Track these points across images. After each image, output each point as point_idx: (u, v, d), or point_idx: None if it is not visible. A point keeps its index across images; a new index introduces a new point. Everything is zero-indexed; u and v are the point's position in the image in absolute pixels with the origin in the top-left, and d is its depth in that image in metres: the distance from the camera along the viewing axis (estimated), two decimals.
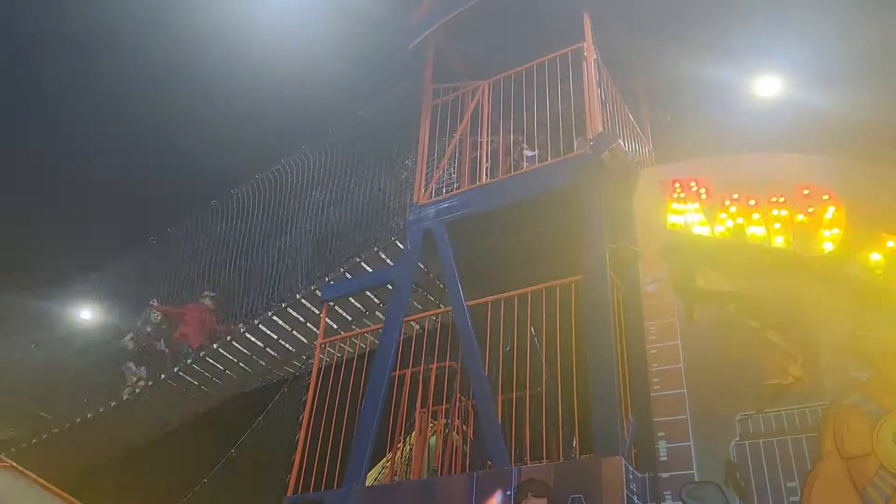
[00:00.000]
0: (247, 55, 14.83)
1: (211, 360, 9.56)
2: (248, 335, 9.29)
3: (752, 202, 5.87)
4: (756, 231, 5.77)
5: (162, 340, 10.15)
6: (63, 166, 16.60)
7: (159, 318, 10.25)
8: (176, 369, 9.58)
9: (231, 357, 9.59)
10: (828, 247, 5.46)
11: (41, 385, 10.88)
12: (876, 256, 5.27)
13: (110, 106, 16.11)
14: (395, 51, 8.58)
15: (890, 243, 5.24)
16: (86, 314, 12.04)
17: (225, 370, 9.75)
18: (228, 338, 9.37)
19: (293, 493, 6.32)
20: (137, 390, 9.72)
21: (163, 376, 9.67)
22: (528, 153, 7.56)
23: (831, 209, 5.55)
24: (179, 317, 10.08)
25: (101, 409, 9.92)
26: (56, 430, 10.12)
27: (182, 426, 10.78)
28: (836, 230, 5.46)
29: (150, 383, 9.75)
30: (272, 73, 14.77)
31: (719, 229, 5.93)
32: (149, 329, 10.23)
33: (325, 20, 13.55)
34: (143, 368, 10.00)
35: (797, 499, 4.71)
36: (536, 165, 7.05)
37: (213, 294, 10.15)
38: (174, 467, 11.39)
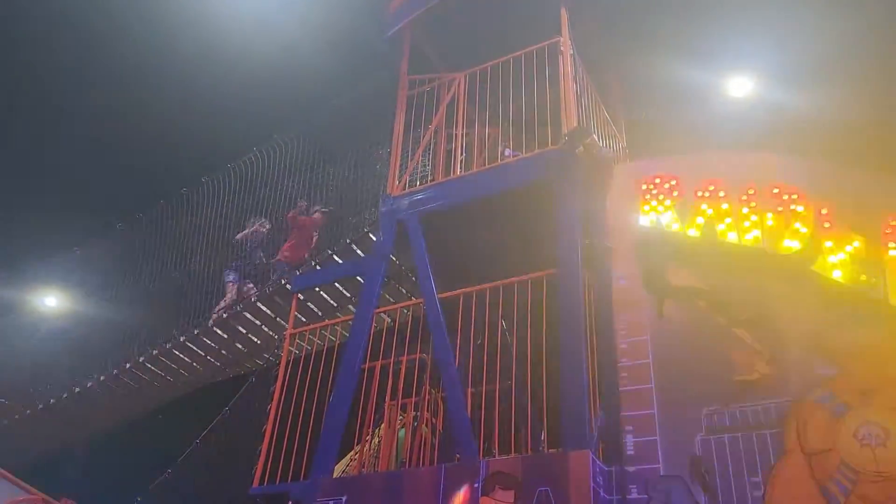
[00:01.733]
0: (222, 42, 14.61)
1: (177, 352, 9.41)
2: (217, 329, 9.15)
3: (723, 200, 5.93)
4: (726, 228, 5.83)
5: (262, 252, 9.52)
6: (30, 153, 16.25)
7: (265, 230, 9.53)
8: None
9: (198, 350, 9.45)
10: (796, 245, 5.53)
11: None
12: (841, 255, 5.35)
13: (80, 92, 15.78)
14: (372, 40, 8.50)
15: (856, 243, 5.32)
16: (50, 301, 11.80)
17: (192, 362, 9.61)
18: (196, 331, 9.21)
19: (259, 485, 6.25)
20: (224, 314, 9.07)
21: (128, 366, 9.51)
22: (508, 152, 7.53)
23: (800, 208, 5.62)
24: (293, 224, 9.15)
25: (65, 395, 9.73)
26: (17, 417, 9.92)
27: (147, 415, 10.62)
28: (804, 229, 5.54)
29: (114, 372, 9.57)
30: (247, 59, 14.59)
31: (690, 227, 5.98)
32: (253, 239, 9.55)
33: (301, 6, 13.40)
34: (233, 276, 9.31)
35: (760, 493, 4.78)
36: (510, 159, 7.04)
37: (326, 209, 9.24)
38: (138, 457, 11.24)
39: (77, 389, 9.68)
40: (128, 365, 9.50)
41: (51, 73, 15.64)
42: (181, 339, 9.28)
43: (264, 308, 8.90)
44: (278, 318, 8.93)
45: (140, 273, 10.66)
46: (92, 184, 16.14)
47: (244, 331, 9.18)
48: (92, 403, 9.90)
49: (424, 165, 7.76)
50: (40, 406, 9.86)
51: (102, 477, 11.18)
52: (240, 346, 9.42)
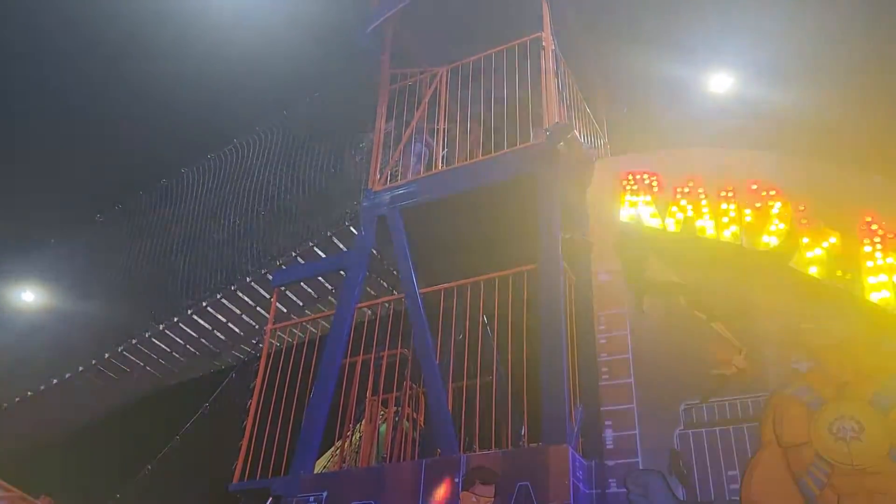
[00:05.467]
0: (201, 31, 14.44)
1: (156, 341, 9.33)
2: (196, 317, 9.09)
3: (702, 196, 5.97)
4: (705, 224, 5.87)
5: None
6: (3, 144, 15.98)
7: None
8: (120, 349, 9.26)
9: (178, 339, 9.38)
10: (774, 241, 5.59)
11: None
12: (818, 251, 5.41)
13: (56, 80, 15.53)
14: (354, 33, 8.43)
15: (832, 239, 5.38)
16: (27, 296, 11.62)
17: (172, 352, 9.54)
18: (175, 318, 9.15)
19: (239, 480, 6.22)
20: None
21: (107, 355, 9.42)
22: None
23: (778, 204, 5.67)
24: None
25: (42, 388, 9.62)
26: None
27: (125, 410, 10.52)
28: (782, 225, 5.59)
29: (93, 361, 9.46)
30: (226, 50, 14.43)
31: (670, 222, 6.03)
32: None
33: None
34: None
35: (737, 486, 4.84)
36: (493, 154, 7.03)
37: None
38: (117, 453, 11.14)
39: (55, 381, 9.57)
40: (106, 355, 9.41)
41: (24, 61, 15.38)
42: (160, 328, 9.21)
43: (244, 297, 8.85)
44: (258, 308, 8.89)
45: (118, 265, 10.53)
46: (69, 175, 15.90)
47: (223, 319, 9.13)
48: (70, 397, 9.80)
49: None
50: (17, 399, 9.74)
51: (81, 473, 11.08)
52: (220, 336, 9.37)
